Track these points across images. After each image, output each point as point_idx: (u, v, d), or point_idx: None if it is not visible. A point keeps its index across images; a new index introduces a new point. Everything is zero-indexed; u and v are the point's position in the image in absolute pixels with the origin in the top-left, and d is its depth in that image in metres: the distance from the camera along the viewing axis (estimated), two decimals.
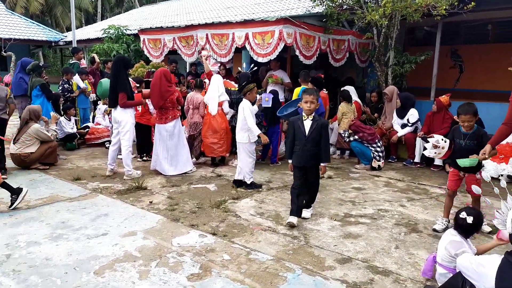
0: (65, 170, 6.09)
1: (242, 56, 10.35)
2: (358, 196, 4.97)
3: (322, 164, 4.01)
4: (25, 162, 5.95)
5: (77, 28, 25.50)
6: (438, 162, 6.45)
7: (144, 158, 6.77)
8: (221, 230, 3.78)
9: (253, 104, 5.39)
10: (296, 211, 3.93)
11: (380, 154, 6.36)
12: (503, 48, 8.54)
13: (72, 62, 8.52)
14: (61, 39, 17.67)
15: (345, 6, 7.34)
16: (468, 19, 7.87)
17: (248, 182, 5.23)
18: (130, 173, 5.64)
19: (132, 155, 5.80)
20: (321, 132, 3.88)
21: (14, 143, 5.92)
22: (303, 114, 3.96)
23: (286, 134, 7.34)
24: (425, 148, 4.15)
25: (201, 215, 4.19)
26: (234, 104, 6.39)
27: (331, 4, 7.38)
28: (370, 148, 6.35)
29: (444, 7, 6.28)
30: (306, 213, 4.15)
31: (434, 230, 3.83)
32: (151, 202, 4.60)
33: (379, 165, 6.31)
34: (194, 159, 6.42)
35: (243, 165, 5.22)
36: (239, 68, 7.73)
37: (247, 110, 5.12)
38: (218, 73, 7.24)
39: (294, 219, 3.87)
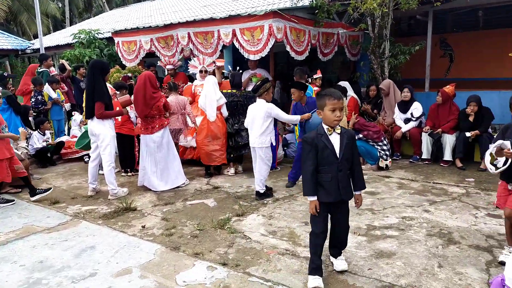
0: None
1: (224, 55, 9.77)
2: (375, 202, 4.49)
3: (356, 192, 2.90)
4: None
5: (45, 35, 24.34)
6: (447, 156, 6.06)
7: (129, 174, 6.12)
8: (232, 258, 3.22)
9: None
10: (319, 268, 2.79)
11: (387, 152, 5.91)
12: (493, 34, 8.29)
13: (40, 70, 7.74)
14: (28, 46, 16.61)
15: None
16: (458, 6, 7.57)
17: (262, 191, 4.71)
18: (115, 191, 4.99)
19: (115, 170, 5.16)
20: (353, 149, 2.82)
21: None
22: (327, 126, 2.79)
23: (283, 140, 6.93)
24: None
25: (205, 240, 3.61)
26: (231, 107, 5.84)
27: None
28: (376, 146, 5.90)
29: None
30: (342, 264, 2.96)
31: (501, 263, 2.92)
32: (143, 227, 3.98)
33: (386, 165, 5.87)
34: None
35: (261, 174, 4.70)
36: (230, 68, 7.13)
37: (275, 109, 4.64)
38: (213, 73, 6.62)
39: (319, 283, 2.71)
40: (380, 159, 5.86)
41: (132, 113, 6.11)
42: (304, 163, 2.80)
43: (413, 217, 3.99)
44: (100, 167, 5.22)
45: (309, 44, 7.20)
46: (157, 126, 5.16)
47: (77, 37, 11.63)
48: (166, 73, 8.46)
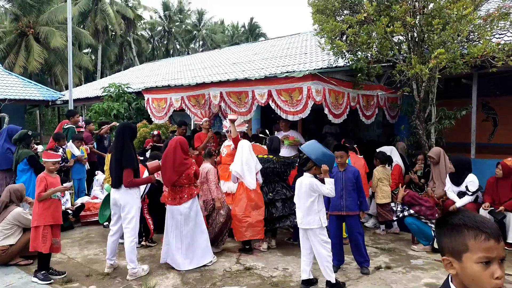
0: (53, 264, 4.83)
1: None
2: None
3: None
4: (2, 257, 4.72)
5: (76, 86, 25.19)
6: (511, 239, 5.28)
7: (143, 243, 5.53)
8: None
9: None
10: None
11: None
12: None
13: (66, 127, 7.52)
14: (59, 98, 16.97)
15: (380, 58, 6.46)
16: (501, 69, 7.13)
17: (333, 281, 3.98)
18: (135, 271, 4.40)
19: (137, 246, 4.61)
20: None
21: None
22: None
23: None
24: None
25: None
26: (266, 174, 5.34)
27: (363, 56, 6.52)
28: (429, 224, 5.19)
29: (504, 58, 5.42)
30: None
31: None
32: None
33: None
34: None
35: (324, 259, 3.99)
36: (267, 131, 6.70)
37: (320, 185, 4.00)
38: (245, 134, 6.20)
39: None
40: (435, 239, 5.12)
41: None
42: None
43: None
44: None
45: (348, 106, 6.78)
46: (185, 196, 4.65)
47: (106, 91, 11.68)
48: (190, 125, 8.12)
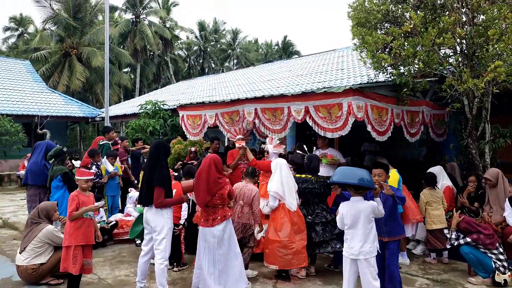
0: (83, 285, 4.68)
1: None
2: None
3: None
4: (32, 276, 4.61)
5: (115, 103, 25.97)
6: None
7: (175, 269, 5.25)
8: None
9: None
10: None
11: (505, 263, 4.62)
12: None
13: (102, 143, 7.53)
14: (98, 115, 17.51)
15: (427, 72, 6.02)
16: None
17: None
18: None
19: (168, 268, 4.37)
20: None
21: (20, 253, 4.64)
22: None
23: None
24: None
25: None
26: (304, 195, 5.01)
27: (408, 70, 6.11)
28: (490, 255, 4.64)
29: None
30: None
31: None
32: None
33: (505, 280, 4.54)
34: None
35: None
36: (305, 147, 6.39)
37: (381, 207, 3.70)
38: (281, 155, 5.94)
39: None
40: (497, 271, 4.56)
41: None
42: None
43: None
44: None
45: (392, 123, 6.35)
46: (219, 217, 4.37)
47: (143, 108, 11.81)
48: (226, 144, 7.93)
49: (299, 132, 9.50)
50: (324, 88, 6.09)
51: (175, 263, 5.26)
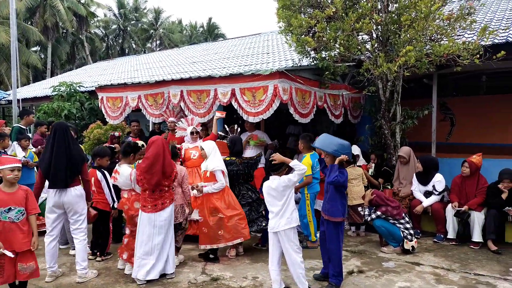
0: None
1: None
2: None
3: None
4: None
5: (23, 85, 23.54)
6: (476, 237, 5.31)
7: (98, 259, 4.96)
8: None
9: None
10: None
11: (411, 231, 5.11)
12: (497, 99, 7.96)
13: (15, 126, 6.74)
14: (3, 97, 15.64)
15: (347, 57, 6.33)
16: (461, 70, 7.28)
17: None
18: (85, 272, 4.19)
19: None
20: None
21: None
22: None
23: None
24: None
25: None
26: (230, 176, 5.03)
27: (330, 54, 6.37)
28: (398, 225, 5.10)
29: (468, 57, 5.45)
30: None
31: None
32: None
33: (412, 246, 5.04)
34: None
35: (298, 266, 3.77)
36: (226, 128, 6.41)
37: (290, 176, 3.80)
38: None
39: None
40: (405, 240, 5.04)
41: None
42: None
43: None
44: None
45: (315, 106, 6.62)
46: (167, 201, 4.27)
47: (56, 90, 10.86)
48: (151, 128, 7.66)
49: (227, 116, 9.48)
50: (251, 70, 6.10)
51: (98, 253, 4.99)
